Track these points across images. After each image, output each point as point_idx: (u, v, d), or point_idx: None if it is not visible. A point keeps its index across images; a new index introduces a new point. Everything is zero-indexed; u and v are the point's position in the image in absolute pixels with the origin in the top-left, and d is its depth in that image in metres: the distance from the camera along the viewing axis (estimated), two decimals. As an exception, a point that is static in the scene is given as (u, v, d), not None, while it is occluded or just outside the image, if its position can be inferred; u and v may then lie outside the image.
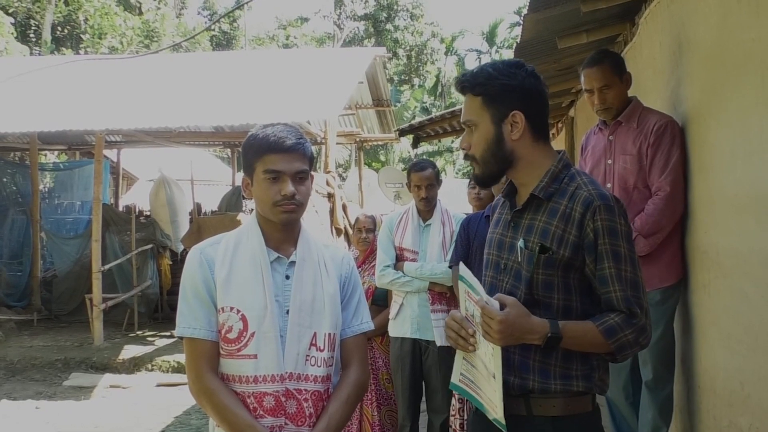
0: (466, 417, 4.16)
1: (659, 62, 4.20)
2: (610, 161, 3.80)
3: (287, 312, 2.16)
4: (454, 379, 2.15)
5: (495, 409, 1.96)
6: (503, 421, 1.94)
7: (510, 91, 2.07)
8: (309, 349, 2.17)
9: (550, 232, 2.03)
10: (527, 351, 2.02)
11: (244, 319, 2.13)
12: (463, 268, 2.07)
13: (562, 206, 2.04)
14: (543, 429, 2.03)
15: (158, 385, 8.57)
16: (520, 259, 2.07)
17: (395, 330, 4.52)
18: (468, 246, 4.11)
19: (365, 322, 2.35)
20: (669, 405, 3.72)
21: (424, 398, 4.61)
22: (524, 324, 1.93)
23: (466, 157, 2.16)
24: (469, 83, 2.11)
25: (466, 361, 2.09)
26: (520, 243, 2.07)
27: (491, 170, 2.13)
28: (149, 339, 10.64)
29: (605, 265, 2.00)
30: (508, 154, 2.10)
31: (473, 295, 2.00)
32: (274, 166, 2.15)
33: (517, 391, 2.04)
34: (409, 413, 4.50)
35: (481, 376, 2.02)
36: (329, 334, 2.21)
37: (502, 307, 1.93)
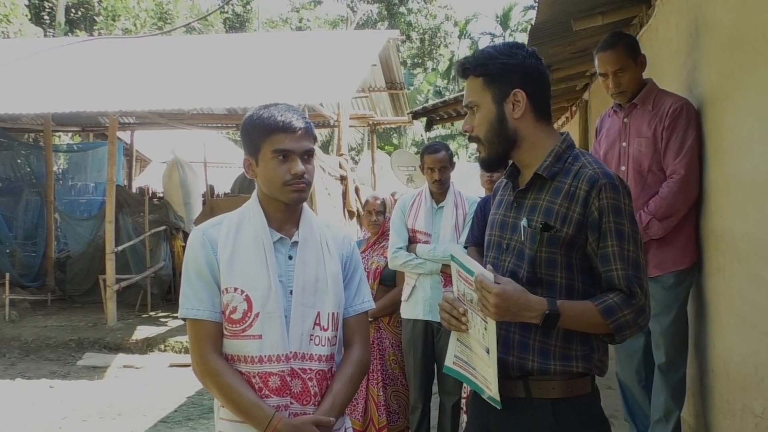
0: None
1: (675, 44, 4.16)
2: (624, 144, 3.77)
3: (291, 292, 2.17)
4: (448, 362, 2.15)
5: (489, 386, 1.96)
6: (498, 398, 1.94)
7: (510, 69, 2.08)
8: (313, 328, 2.18)
9: (554, 211, 2.03)
10: (527, 331, 2.02)
11: (248, 299, 2.14)
12: (455, 249, 2.11)
13: (566, 185, 2.03)
14: (542, 411, 2.02)
15: (171, 366, 8.63)
16: (523, 238, 2.07)
17: (407, 312, 4.53)
18: (484, 227, 4.09)
19: (366, 301, 2.36)
20: (682, 388, 3.72)
21: (435, 380, 4.62)
22: (521, 300, 1.91)
23: (471, 138, 2.16)
24: (470, 65, 2.12)
25: (460, 343, 2.10)
26: (524, 222, 2.07)
27: (497, 151, 2.13)
28: (162, 320, 10.71)
29: (608, 243, 1.98)
30: (511, 133, 2.10)
31: (464, 274, 2.01)
32: (284, 145, 2.15)
33: (516, 372, 2.03)
34: (421, 395, 4.52)
35: (476, 356, 2.02)
36: (333, 314, 2.22)
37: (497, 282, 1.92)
